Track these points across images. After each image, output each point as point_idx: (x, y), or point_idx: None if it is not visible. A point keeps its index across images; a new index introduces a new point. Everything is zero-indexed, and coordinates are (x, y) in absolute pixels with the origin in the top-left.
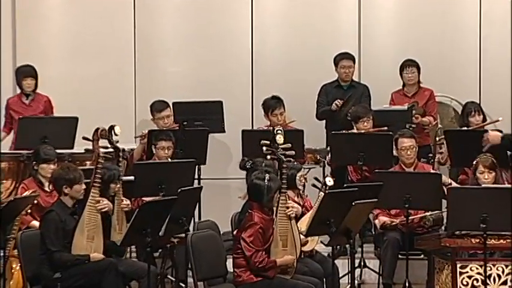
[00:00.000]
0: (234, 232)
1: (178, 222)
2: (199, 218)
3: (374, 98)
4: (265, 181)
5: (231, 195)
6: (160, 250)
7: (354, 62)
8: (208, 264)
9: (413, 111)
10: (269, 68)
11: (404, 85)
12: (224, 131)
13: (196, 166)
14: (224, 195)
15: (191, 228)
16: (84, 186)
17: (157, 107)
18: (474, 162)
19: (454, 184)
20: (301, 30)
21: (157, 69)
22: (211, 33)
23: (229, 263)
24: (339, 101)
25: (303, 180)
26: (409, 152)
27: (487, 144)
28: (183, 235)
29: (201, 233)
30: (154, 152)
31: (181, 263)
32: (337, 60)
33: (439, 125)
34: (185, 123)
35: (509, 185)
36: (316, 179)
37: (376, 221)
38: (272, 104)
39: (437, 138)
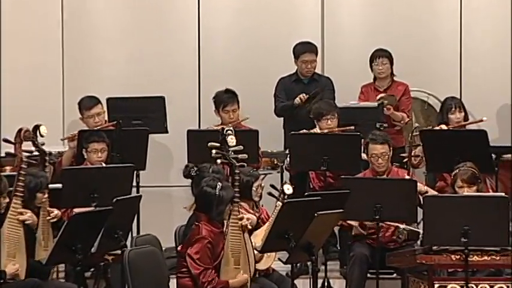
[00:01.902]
0: (179, 248)
1: (113, 236)
2: (138, 231)
3: (340, 93)
4: (217, 190)
5: (175, 206)
6: (92, 269)
7: (317, 55)
8: (148, 284)
9: (385, 102)
10: (218, 58)
11: (375, 78)
12: (167, 132)
13: (135, 172)
14: (167, 205)
15: (128, 243)
16: (7, 200)
17: (86, 103)
18: (452, 175)
19: (431, 192)
20: (256, 15)
21: (89, 61)
22: (152, 20)
23: (173, 284)
24: (304, 95)
25: (260, 191)
26: (380, 160)
27: None
28: (119, 251)
29: (140, 249)
30: (85, 155)
31: (116, 283)
32: (298, 52)
33: (415, 124)
34: (121, 122)
35: (494, 193)
36: (272, 186)
37: (353, 222)
38: (225, 99)
39: (413, 135)
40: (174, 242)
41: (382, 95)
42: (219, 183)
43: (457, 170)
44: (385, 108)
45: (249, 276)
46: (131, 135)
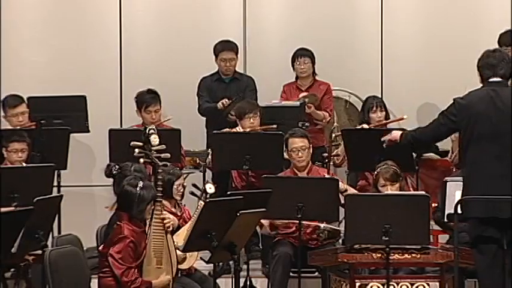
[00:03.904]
0: (100, 247)
1: (33, 236)
2: (59, 231)
3: (263, 92)
4: (138, 189)
5: (97, 205)
6: (12, 269)
7: (237, 53)
8: (69, 285)
9: (306, 100)
10: (140, 58)
11: (297, 77)
12: (88, 131)
13: (56, 171)
14: (88, 205)
15: (49, 243)
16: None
17: (10, 102)
18: (374, 174)
19: (351, 191)
20: (178, 15)
21: (8, 60)
22: (74, 19)
23: (94, 284)
24: (226, 100)
25: (181, 189)
26: (300, 154)
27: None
28: (40, 252)
29: (61, 249)
30: (5, 155)
31: (37, 284)
32: (217, 51)
33: (335, 123)
34: (43, 121)
35: (415, 192)
36: (195, 185)
37: (264, 221)
38: (147, 99)
39: (333, 136)
40: (95, 241)
41: (304, 93)
42: (140, 182)
43: (379, 169)
44: (306, 107)
45: (172, 276)
46: (52, 135)
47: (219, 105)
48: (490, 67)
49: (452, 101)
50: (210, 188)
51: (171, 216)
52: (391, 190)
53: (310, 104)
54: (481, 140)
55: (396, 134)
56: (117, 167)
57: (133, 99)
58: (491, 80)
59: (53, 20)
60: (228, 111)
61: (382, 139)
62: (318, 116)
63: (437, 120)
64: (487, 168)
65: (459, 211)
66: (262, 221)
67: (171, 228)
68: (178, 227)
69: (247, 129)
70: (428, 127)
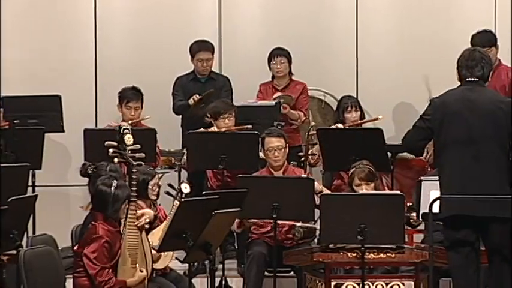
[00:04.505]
0: (75, 247)
1: (8, 237)
2: (34, 231)
3: (238, 92)
4: (112, 188)
5: (71, 205)
6: None
7: (213, 53)
8: (43, 285)
9: (281, 101)
10: (116, 57)
11: (273, 77)
12: (63, 131)
13: (30, 171)
14: (63, 205)
15: (24, 243)
16: None
17: None
18: (349, 173)
19: (326, 192)
20: (154, 14)
21: None
22: (48, 18)
23: (69, 284)
24: (197, 95)
25: (157, 189)
26: (276, 154)
27: None
28: (14, 252)
29: (36, 249)
30: None
31: (11, 284)
32: (194, 51)
33: (312, 123)
34: (17, 121)
35: (390, 191)
36: (170, 185)
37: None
38: (129, 95)
39: (310, 134)
40: (70, 241)
41: (279, 94)
42: (114, 181)
43: (354, 169)
44: (281, 107)
45: (147, 276)
46: (27, 135)
47: (190, 100)
48: (469, 68)
49: (429, 102)
50: (186, 188)
51: (146, 210)
52: (366, 190)
53: (285, 105)
54: (456, 140)
55: None
56: (92, 166)
57: (108, 99)
58: (468, 79)
59: (27, 19)
60: (203, 113)
61: None
62: (294, 116)
63: (417, 124)
64: (463, 168)
65: (436, 210)
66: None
67: (148, 220)
68: (154, 227)
69: (223, 130)
70: (409, 133)
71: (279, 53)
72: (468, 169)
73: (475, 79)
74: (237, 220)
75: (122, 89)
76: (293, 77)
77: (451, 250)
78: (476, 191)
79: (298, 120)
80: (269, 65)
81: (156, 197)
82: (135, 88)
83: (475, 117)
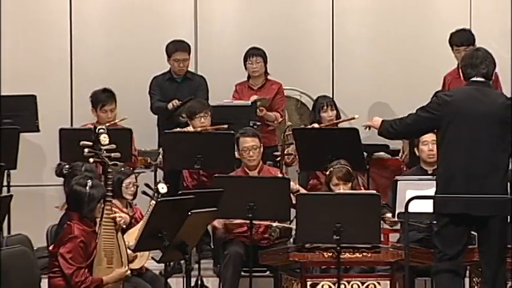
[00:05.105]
0: (50, 247)
1: None
2: (9, 231)
3: (214, 91)
4: (87, 188)
5: (47, 205)
6: None
7: (189, 53)
8: (19, 285)
9: (258, 103)
10: (91, 57)
11: (249, 77)
12: (38, 130)
13: (5, 171)
14: (38, 204)
15: None
16: None
17: None
18: (327, 173)
19: (302, 191)
20: (130, 14)
21: None
22: (24, 17)
23: (44, 284)
24: (176, 101)
25: (132, 188)
26: (251, 153)
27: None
28: None
29: (11, 249)
30: None
31: None
32: (170, 51)
33: (288, 123)
34: None
35: (366, 191)
36: (147, 185)
37: (215, 222)
38: (103, 98)
39: (286, 134)
40: (45, 241)
41: (255, 96)
42: (89, 181)
43: (332, 168)
44: (258, 110)
45: (126, 271)
46: (1, 134)
47: (169, 106)
48: (473, 66)
49: (435, 96)
50: (163, 188)
51: (123, 214)
52: (343, 189)
53: (262, 108)
54: (462, 140)
55: (377, 122)
56: (67, 166)
57: (83, 99)
58: (474, 79)
59: (2, 18)
60: (179, 113)
61: (363, 124)
62: (270, 118)
63: (417, 114)
64: (467, 167)
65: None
66: (216, 224)
67: (122, 222)
68: (130, 227)
69: (198, 129)
70: (408, 120)
71: (254, 53)
72: (472, 168)
73: (481, 79)
74: (220, 225)
75: (92, 92)
76: (269, 77)
77: (441, 246)
78: (479, 191)
79: (275, 122)
80: (245, 65)
81: (131, 197)
82: (107, 90)
83: (483, 119)
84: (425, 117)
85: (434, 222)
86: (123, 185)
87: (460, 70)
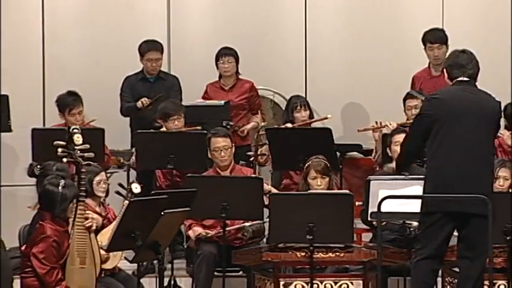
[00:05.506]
0: (22, 247)
1: None
2: None
3: (187, 91)
4: (60, 188)
5: (19, 205)
6: None
7: (162, 53)
8: None
9: (236, 128)
10: (64, 56)
11: (221, 76)
12: (10, 130)
13: None
14: (10, 205)
15: None
16: None
17: None
18: (305, 166)
19: (275, 191)
20: (102, 12)
21: None
22: None
23: (17, 284)
24: (145, 99)
25: (104, 186)
26: (223, 154)
27: None
28: None
29: None
30: None
31: None
32: (143, 50)
33: (261, 123)
34: None
35: (339, 191)
36: (120, 185)
37: (190, 232)
38: (69, 102)
39: (259, 134)
40: (18, 241)
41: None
42: (61, 180)
43: (310, 162)
44: (239, 133)
45: (95, 276)
46: None
47: (139, 104)
48: (460, 67)
49: (425, 99)
50: (136, 188)
51: (96, 216)
52: (321, 183)
53: (242, 130)
54: (452, 137)
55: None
56: (39, 166)
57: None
58: (460, 79)
59: None
60: (152, 116)
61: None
62: (254, 127)
63: (414, 125)
64: (457, 167)
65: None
66: (191, 235)
67: (94, 227)
68: (103, 227)
69: (172, 130)
70: (407, 136)
71: (226, 53)
72: (462, 168)
73: (467, 79)
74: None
75: (57, 97)
76: (240, 76)
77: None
78: (469, 189)
79: (259, 126)
80: (216, 65)
81: (104, 194)
82: (73, 93)
83: (472, 118)
84: (421, 123)
85: (408, 222)
86: (94, 182)
87: (445, 70)
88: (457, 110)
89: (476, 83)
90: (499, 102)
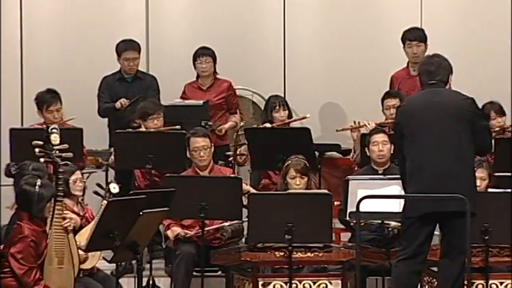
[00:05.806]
0: (0, 248)
1: None
2: None
3: (165, 91)
4: (36, 187)
5: None
6: None
7: (139, 52)
8: None
9: (214, 127)
10: (42, 56)
11: (198, 76)
12: None
13: None
14: None
15: None
16: None
17: None
18: (284, 166)
19: (253, 191)
20: (80, 12)
21: None
22: None
23: None
24: (124, 100)
25: (80, 184)
26: (202, 153)
27: None
28: None
29: None
30: None
31: None
32: (120, 50)
33: (240, 123)
34: None
35: (318, 190)
36: (99, 185)
37: (169, 232)
38: (48, 99)
39: (238, 134)
40: None
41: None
42: (38, 180)
43: (289, 161)
44: (217, 131)
45: (74, 276)
46: None
47: (117, 104)
48: (428, 74)
49: (397, 108)
50: (115, 188)
51: (74, 216)
52: (300, 183)
53: (219, 129)
54: (422, 140)
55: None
56: (16, 166)
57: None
58: (428, 82)
59: None
60: (131, 117)
61: None
62: (231, 127)
63: (394, 133)
64: (431, 167)
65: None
66: (169, 235)
67: (72, 227)
68: (81, 227)
69: (151, 129)
70: (399, 162)
71: (203, 53)
72: (435, 167)
73: (434, 81)
74: (182, 231)
75: (36, 94)
76: (218, 76)
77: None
78: (446, 189)
79: (238, 124)
80: (194, 65)
81: (81, 193)
82: (51, 90)
83: (441, 119)
84: (397, 129)
85: (386, 222)
86: (70, 181)
87: (418, 78)
88: (424, 116)
89: (447, 86)
90: (471, 99)
